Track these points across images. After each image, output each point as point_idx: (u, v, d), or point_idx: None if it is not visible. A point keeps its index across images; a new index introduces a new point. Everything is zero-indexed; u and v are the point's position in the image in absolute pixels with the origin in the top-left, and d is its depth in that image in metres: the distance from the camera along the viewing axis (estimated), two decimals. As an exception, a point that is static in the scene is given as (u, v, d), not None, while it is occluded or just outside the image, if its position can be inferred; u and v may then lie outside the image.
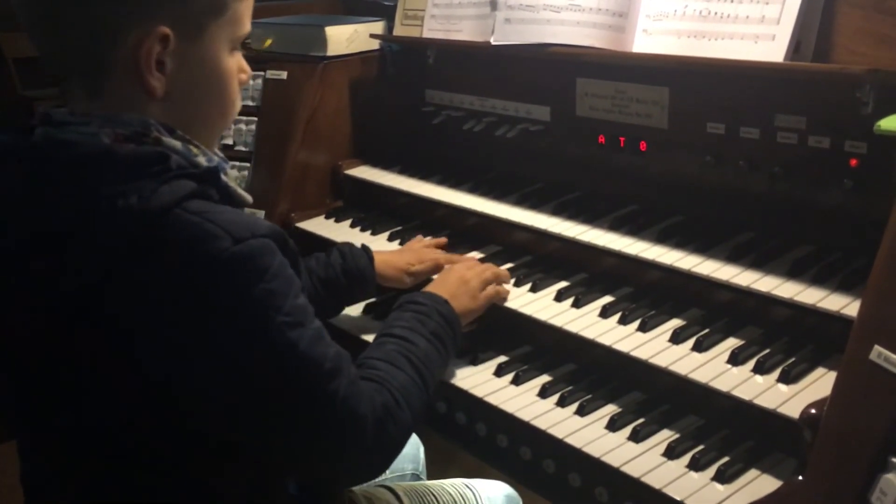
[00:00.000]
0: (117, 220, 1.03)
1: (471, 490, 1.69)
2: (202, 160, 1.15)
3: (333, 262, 1.75)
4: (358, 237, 2.13)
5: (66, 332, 1.08)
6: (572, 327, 1.63)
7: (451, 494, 1.65)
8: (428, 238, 2.00)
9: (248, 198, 1.22)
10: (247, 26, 1.23)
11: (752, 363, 1.44)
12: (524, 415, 1.55)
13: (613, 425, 1.50)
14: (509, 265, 1.88)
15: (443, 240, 1.97)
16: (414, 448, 1.85)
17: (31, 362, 1.14)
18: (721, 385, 1.41)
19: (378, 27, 2.38)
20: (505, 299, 1.74)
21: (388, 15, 2.39)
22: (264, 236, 1.08)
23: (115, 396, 1.09)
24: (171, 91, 1.15)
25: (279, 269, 1.09)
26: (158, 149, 1.10)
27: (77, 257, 1.05)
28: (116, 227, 1.03)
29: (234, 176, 1.23)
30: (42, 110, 1.14)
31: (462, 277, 1.67)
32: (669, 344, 1.54)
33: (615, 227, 1.78)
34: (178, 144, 1.13)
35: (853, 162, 1.56)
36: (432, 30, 2.18)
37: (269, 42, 2.38)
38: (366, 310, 1.93)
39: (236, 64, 1.24)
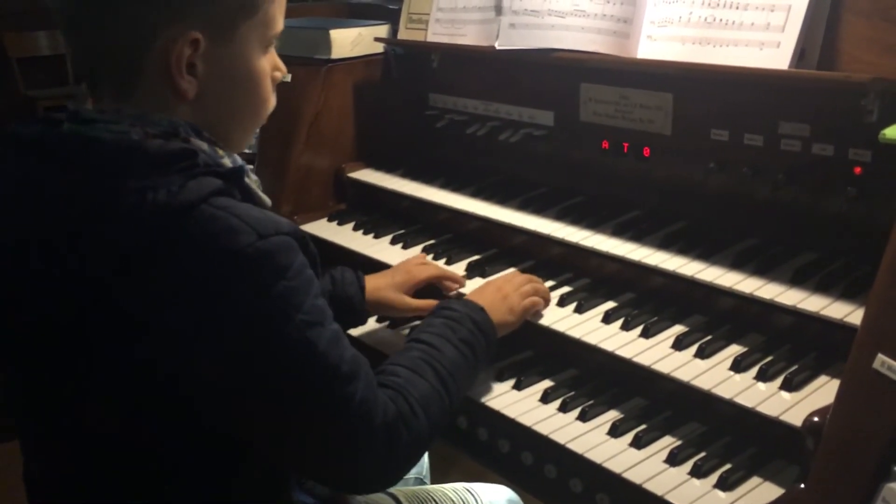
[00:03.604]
0: (145, 214, 1.04)
1: (472, 494, 1.68)
2: (227, 161, 1.16)
3: (322, 287, 1.67)
4: (361, 240, 2.13)
5: (81, 325, 1.08)
6: (574, 332, 1.63)
7: (452, 500, 1.65)
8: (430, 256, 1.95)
9: (268, 201, 1.23)
10: (279, 25, 1.23)
11: (754, 370, 1.44)
12: (525, 420, 1.55)
13: (615, 431, 1.50)
14: (511, 270, 1.87)
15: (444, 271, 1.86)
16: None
17: (43, 356, 1.14)
18: (723, 392, 1.41)
19: (382, 31, 2.38)
20: (540, 314, 1.69)
21: (392, 19, 2.39)
22: (287, 234, 1.09)
23: (127, 392, 1.09)
24: (203, 93, 1.15)
25: (300, 267, 1.10)
26: (186, 146, 1.10)
27: (101, 249, 1.05)
28: (143, 220, 1.04)
29: (255, 180, 1.23)
30: (70, 105, 1.15)
31: (501, 288, 1.63)
32: (672, 350, 1.53)
33: (618, 232, 1.78)
34: (204, 146, 1.14)
35: (857, 170, 1.56)
36: (437, 34, 2.18)
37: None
38: (382, 320, 1.92)
39: (270, 63, 1.24)
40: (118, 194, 1.05)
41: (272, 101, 1.27)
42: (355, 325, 1.79)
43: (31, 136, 1.14)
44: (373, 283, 1.75)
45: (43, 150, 1.12)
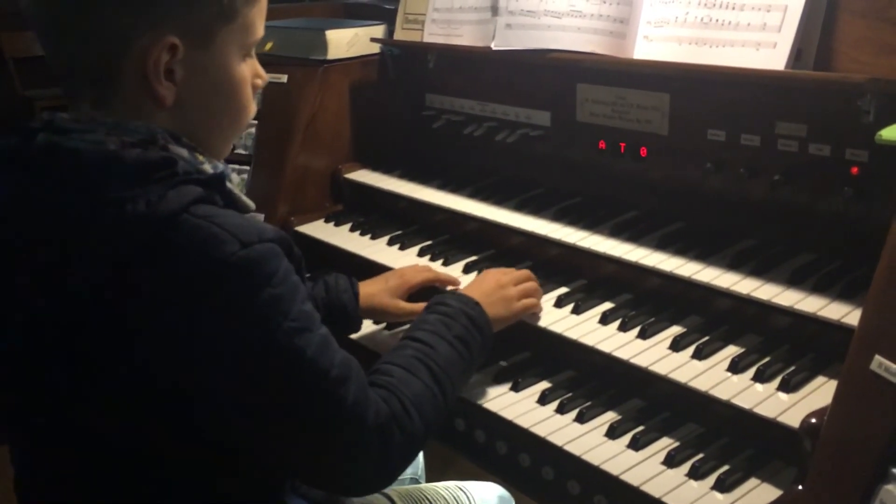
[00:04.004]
0: (125, 225, 1.03)
1: (464, 492, 1.68)
2: (207, 167, 1.15)
3: (316, 295, 1.67)
4: (357, 241, 2.13)
5: (70, 336, 1.07)
6: (572, 334, 1.63)
7: (445, 498, 1.65)
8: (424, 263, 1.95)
9: (252, 204, 1.22)
10: (259, 31, 1.22)
11: (752, 371, 1.44)
12: (523, 422, 1.55)
13: (613, 433, 1.49)
14: (509, 271, 1.87)
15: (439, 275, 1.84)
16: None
17: (35, 366, 1.13)
18: (721, 393, 1.41)
19: (379, 31, 2.37)
20: (538, 316, 1.68)
21: (388, 19, 2.39)
22: (271, 241, 1.08)
23: (120, 400, 1.09)
24: (182, 99, 1.14)
25: (285, 273, 1.09)
26: (165, 154, 1.10)
27: (84, 261, 1.04)
28: (125, 231, 1.03)
29: (236, 181, 1.22)
30: (46, 115, 1.14)
31: (499, 282, 1.61)
32: (669, 351, 1.53)
33: (615, 233, 1.78)
34: (184, 152, 1.13)
35: (854, 170, 1.56)
36: (433, 34, 2.18)
37: (269, 45, 2.37)
38: (378, 323, 1.91)
39: (250, 69, 1.23)
40: (98, 207, 1.04)
41: (252, 109, 1.26)
42: (350, 333, 1.78)
43: (8, 147, 1.13)
44: (367, 289, 1.74)
45: (22, 161, 1.11)
